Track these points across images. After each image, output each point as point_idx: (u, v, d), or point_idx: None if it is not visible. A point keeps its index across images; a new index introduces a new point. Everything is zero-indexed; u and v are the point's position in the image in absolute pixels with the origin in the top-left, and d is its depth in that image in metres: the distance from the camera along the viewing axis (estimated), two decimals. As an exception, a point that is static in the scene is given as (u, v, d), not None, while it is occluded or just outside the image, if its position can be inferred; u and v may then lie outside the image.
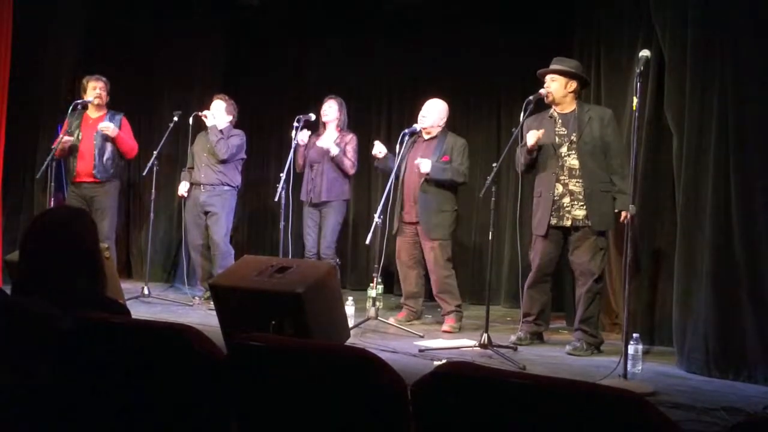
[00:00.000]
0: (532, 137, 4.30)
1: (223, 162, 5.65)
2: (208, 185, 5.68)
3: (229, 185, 5.73)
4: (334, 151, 5.46)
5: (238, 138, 5.74)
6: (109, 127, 5.54)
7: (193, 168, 5.80)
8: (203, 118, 5.65)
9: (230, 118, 5.77)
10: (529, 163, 4.43)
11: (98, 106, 5.67)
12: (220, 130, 5.68)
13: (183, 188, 5.79)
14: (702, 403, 3.21)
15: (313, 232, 5.64)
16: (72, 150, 5.57)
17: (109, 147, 5.59)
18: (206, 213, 5.71)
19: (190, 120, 5.66)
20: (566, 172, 4.33)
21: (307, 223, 5.67)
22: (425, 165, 4.87)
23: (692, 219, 3.93)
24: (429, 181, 4.95)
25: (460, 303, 5.06)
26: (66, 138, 5.49)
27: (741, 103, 3.76)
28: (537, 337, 4.55)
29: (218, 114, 5.71)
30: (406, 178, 5.07)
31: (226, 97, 5.81)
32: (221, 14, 6.83)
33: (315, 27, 6.83)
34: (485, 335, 4.11)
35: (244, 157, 5.88)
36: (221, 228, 5.69)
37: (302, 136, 5.53)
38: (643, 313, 4.62)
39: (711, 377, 3.75)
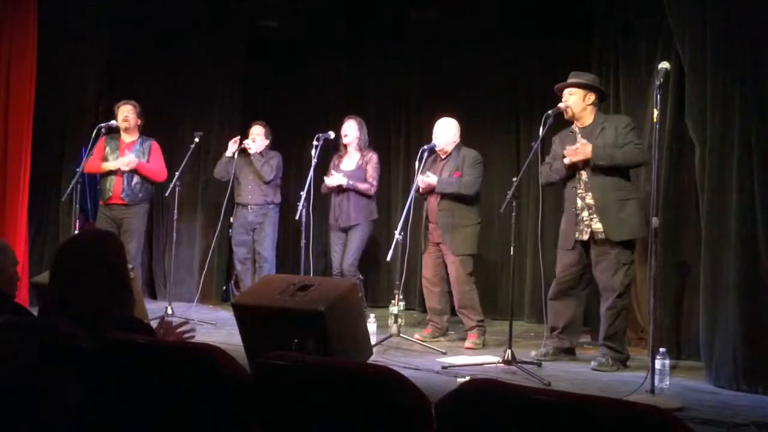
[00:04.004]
0: (571, 154, 4.27)
1: (268, 183, 6.07)
2: (255, 205, 6.09)
3: (272, 203, 6.16)
4: (343, 183, 5.61)
5: (276, 159, 6.18)
6: (124, 162, 5.63)
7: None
8: (247, 149, 6.03)
9: (267, 141, 6.19)
10: (564, 178, 4.40)
11: (129, 131, 5.77)
12: (260, 153, 6.09)
13: (232, 149, 6.02)
14: (731, 418, 3.15)
15: (339, 250, 5.75)
16: (105, 173, 5.70)
17: (136, 173, 5.70)
18: (253, 230, 6.11)
19: (234, 152, 6.02)
20: (583, 186, 4.33)
21: (334, 241, 5.80)
22: (431, 179, 4.95)
23: (717, 230, 3.88)
24: (444, 198, 4.99)
25: (482, 318, 5.03)
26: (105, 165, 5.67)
27: (763, 111, 3.72)
28: (565, 353, 4.50)
29: (258, 138, 6.10)
30: (428, 199, 5.10)
31: (263, 123, 6.25)
32: (240, 35, 6.92)
33: (333, 46, 6.88)
34: (509, 351, 4.07)
35: (281, 175, 6.29)
36: (269, 243, 6.11)
37: (330, 181, 5.67)
38: (670, 327, 4.56)
39: (740, 391, 3.68)
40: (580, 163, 4.28)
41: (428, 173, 5.00)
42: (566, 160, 4.31)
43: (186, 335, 2.47)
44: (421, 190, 5.04)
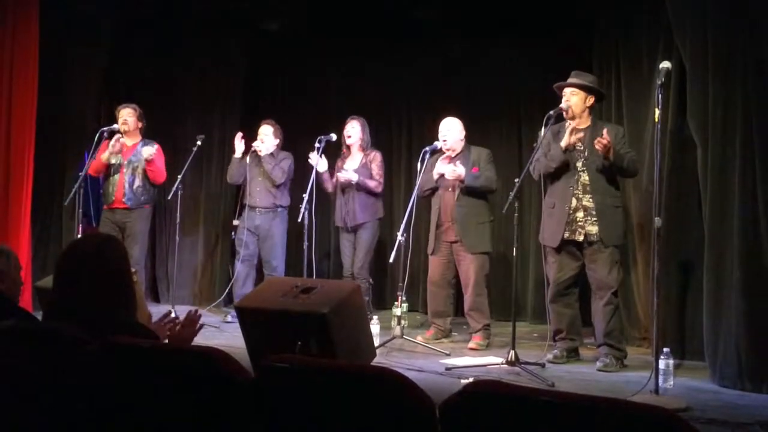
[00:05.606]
0: (570, 136, 4.27)
1: (278, 186, 5.87)
2: (263, 208, 5.88)
3: (281, 206, 5.94)
4: (354, 178, 5.57)
5: (288, 161, 5.96)
6: (146, 151, 5.63)
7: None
8: (258, 151, 5.85)
9: (277, 141, 5.97)
10: (560, 166, 4.34)
11: (130, 134, 5.77)
12: (271, 155, 5.89)
13: (239, 149, 5.87)
14: (736, 418, 3.15)
15: (349, 252, 5.72)
16: (107, 176, 5.71)
17: (138, 176, 5.70)
18: (260, 235, 5.89)
19: (243, 152, 5.86)
20: (580, 187, 4.33)
21: (344, 244, 5.78)
22: (456, 170, 4.92)
23: (720, 229, 3.87)
24: (463, 194, 4.98)
25: (489, 322, 5.03)
26: (110, 151, 5.61)
27: (765, 110, 3.72)
28: (574, 353, 4.49)
29: (267, 139, 5.90)
30: (442, 197, 5.09)
31: (273, 122, 6.01)
32: (241, 37, 6.92)
33: (333, 47, 6.89)
34: (512, 352, 4.07)
35: (292, 177, 6.07)
36: (278, 252, 5.91)
37: (321, 166, 5.63)
38: (673, 327, 4.55)
39: (744, 391, 3.68)
40: (582, 156, 4.27)
41: (458, 163, 4.98)
42: (562, 143, 4.28)
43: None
44: (449, 177, 4.96)
